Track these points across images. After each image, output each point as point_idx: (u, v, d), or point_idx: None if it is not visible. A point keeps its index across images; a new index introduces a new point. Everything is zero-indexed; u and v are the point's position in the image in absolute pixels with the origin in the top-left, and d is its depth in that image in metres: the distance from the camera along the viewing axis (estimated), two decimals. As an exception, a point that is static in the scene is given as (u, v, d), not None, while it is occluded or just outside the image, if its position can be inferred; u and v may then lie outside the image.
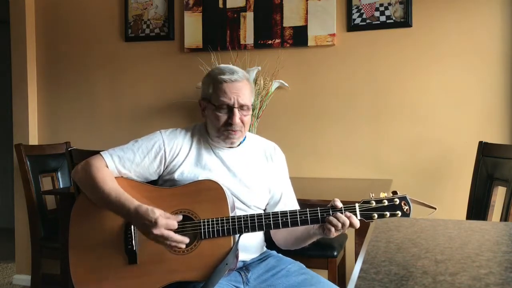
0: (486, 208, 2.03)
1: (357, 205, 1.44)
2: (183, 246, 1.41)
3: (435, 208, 1.40)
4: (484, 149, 2.17)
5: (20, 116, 3.25)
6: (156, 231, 1.37)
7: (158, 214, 1.38)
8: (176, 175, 1.57)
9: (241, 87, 1.57)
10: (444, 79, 2.53)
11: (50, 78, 3.29)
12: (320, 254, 2.10)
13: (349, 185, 2.48)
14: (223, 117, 1.57)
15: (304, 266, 1.62)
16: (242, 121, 1.58)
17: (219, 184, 1.48)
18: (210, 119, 1.61)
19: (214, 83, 1.59)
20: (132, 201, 1.43)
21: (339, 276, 2.36)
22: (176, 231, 1.41)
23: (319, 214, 1.44)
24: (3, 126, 4.68)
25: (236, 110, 1.56)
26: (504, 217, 1.89)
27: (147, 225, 1.38)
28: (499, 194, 2.03)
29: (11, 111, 3.32)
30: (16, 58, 3.26)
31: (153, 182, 1.62)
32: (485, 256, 0.62)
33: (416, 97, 2.57)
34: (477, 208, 2.11)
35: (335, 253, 2.11)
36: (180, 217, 1.43)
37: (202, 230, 1.44)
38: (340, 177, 2.67)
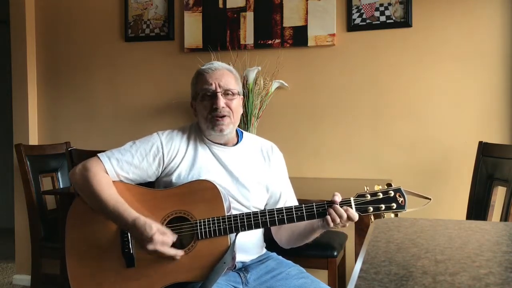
0: (486, 208, 2.03)
1: (352, 199, 1.44)
2: (178, 257, 1.42)
3: (430, 199, 1.38)
4: (484, 149, 2.17)
5: (20, 116, 3.25)
6: (151, 247, 1.39)
7: (155, 230, 1.39)
8: (174, 177, 1.57)
9: (222, 74, 1.61)
10: (444, 79, 2.53)
11: (50, 78, 3.29)
12: (320, 254, 2.09)
13: (349, 185, 2.47)
14: (208, 104, 1.59)
15: (304, 270, 1.62)
16: (230, 107, 1.59)
17: (213, 184, 1.48)
18: (199, 113, 1.63)
19: (197, 77, 1.65)
20: (130, 212, 1.43)
21: (339, 276, 2.36)
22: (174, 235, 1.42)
23: (314, 209, 1.44)
24: (3, 126, 4.67)
25: (219, 95, 1.58)
26: (504, 217, 1.89)
27: (143, 239, 1.39)
28: (499, 194, 2.03)
29: (11, 111, 3.32)
30: (16, 58, 3.26)
31: (150, 184, 1.62)
32: (485, 256, 0.62)
33: (416, 97, 2.57)
34: (477, 208, 2.11)
35: (335, 253, 2.11)
36: (176, 236, 1.43)
37: (199, 231, 1.44)
38: (340, 177, 2.67)
